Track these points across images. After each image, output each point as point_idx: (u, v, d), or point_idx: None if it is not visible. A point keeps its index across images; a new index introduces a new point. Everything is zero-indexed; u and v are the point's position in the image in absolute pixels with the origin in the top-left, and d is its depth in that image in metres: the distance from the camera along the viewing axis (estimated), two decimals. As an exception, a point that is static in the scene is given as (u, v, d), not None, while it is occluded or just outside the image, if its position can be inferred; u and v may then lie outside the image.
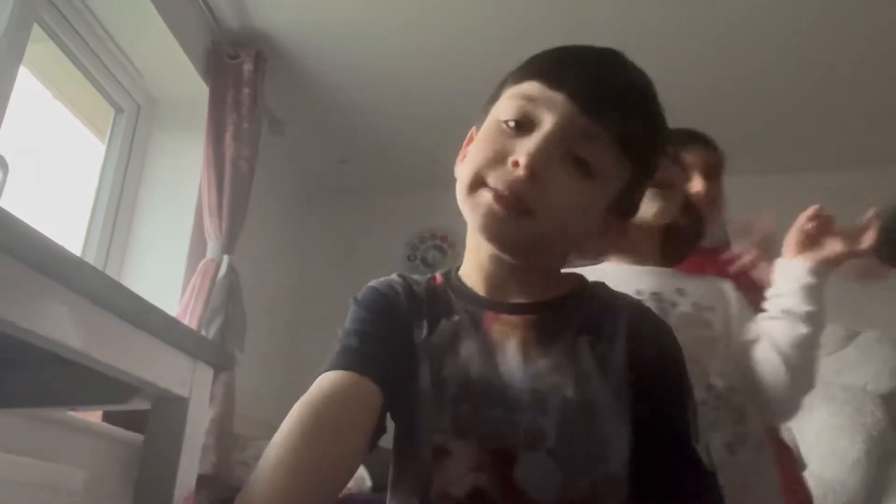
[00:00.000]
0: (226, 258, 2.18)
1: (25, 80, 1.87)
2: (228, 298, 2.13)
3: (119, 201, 2.25)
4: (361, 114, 2.92)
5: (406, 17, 2.41)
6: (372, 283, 0.72)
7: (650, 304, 0.98)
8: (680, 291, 1.05)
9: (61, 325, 0.61)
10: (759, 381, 0.97)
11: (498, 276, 0.66)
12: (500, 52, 2.56)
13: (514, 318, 0.65)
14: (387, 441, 0.63)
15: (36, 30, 1.84)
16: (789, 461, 1.13)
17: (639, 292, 1.03)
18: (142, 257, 2.24)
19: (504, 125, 0.63)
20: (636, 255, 1.11)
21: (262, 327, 2.70)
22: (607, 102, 0.62)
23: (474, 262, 0.68)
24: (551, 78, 0.63)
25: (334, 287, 3.38)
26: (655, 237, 1.12)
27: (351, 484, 2.30)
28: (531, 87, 0.64)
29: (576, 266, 0.99)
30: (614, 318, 0.66)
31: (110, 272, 2.14)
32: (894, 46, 2.41)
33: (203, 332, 2.01)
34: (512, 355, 0.63)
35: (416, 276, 0.73)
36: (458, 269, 0.71)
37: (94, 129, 2.26)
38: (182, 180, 2.33)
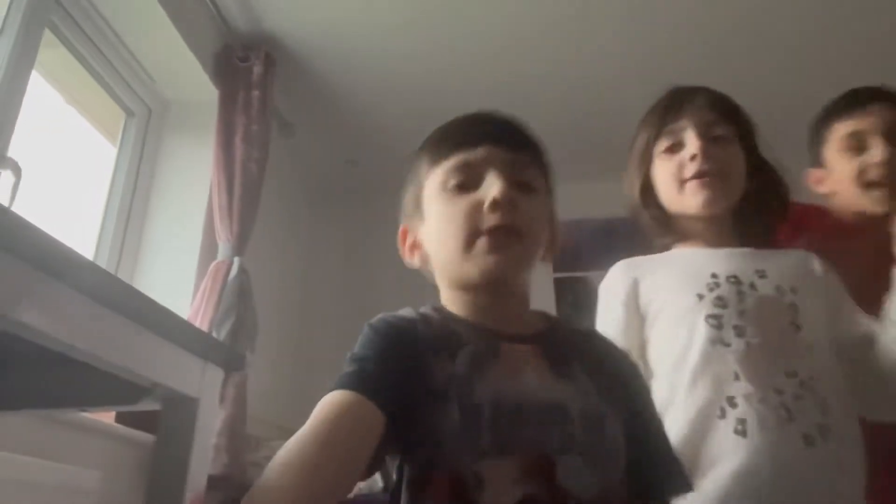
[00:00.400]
0: (236, 260, 2.19)
1: (38, 85, 1.88)
2: (239, 300, 2.14)
3: (131, 204, 2.26)
4: (370, 115, 2.93)
5: (413, 18, 2.41)
6: (386, 314, 0.78)
7: (726, 287, 0.96)
8: (760, 273, 0.98)
9: (72, 327, 0.62)
10: (885, 377, 0.92)
11: (492, 311, 0.76)
12: (506, 52, 2.57)
13: (525, 347, 0.74)
14: None
15: (48, 35, 1.85)
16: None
17: (714, 276, 0.98)
18: (153, 259, 2.25)
19: (454, 192, 0.75)
20: (709, 237, 1.04)
21: (273, 328, 2.71)
22: (514, 137, 0.80)
23: (467, 306, 0.77)
24: (468, 142, 0.77)
25: (344, 287, 3.40)
26: (726, 218, 1.05)
27: (362, 484, 2.30)
28: (456, 159, 0.77)
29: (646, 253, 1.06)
30: (591, 344, 0.78)
31: (122, 274, 2.16)
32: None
33: (215, 334, 2.02)
34: (531, 377, 0.72)
35: (423, 310, 0.79)
36: (442, 307, 0.80)
37: (105, 132, 2.28)
38: (193, 183, 2.34)
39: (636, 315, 1.03)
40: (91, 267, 0.65)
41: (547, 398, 0.71)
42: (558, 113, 2.86)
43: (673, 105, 1.07)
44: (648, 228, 1.10)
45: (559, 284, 3.17)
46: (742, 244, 1.04)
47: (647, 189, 1.08)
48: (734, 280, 0.97)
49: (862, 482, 0.88)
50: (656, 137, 1.06)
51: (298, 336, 3.14)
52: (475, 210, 0.73)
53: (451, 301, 0.79)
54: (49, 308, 0.59)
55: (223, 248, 2.20)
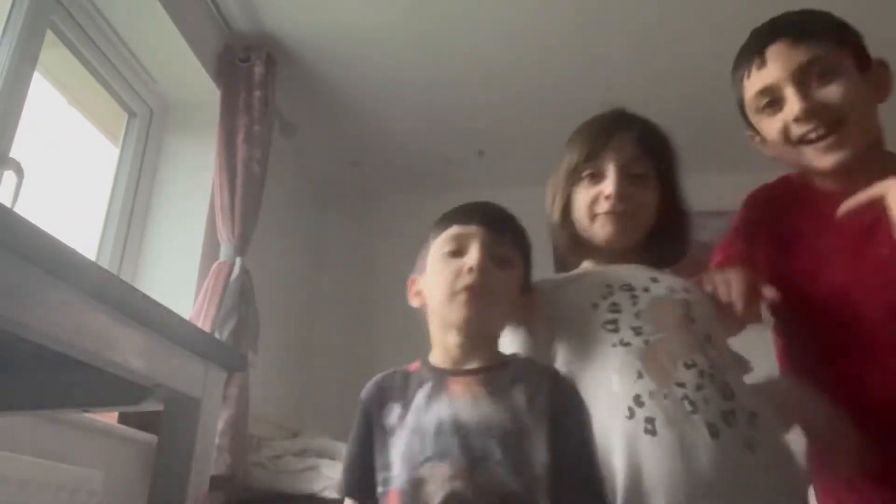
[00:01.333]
0: (238, 260, 2.19)
1: (40, 86, 1.89)
2: (241, 300, 2.14)
3: (133, 205, 2.27)
4: (372, 115, 2.93)
5: (415, 18, 2.41)
6: (371, 381, 1.04)
7: (619, 294, 1.01)
8: (653, 279, 1.02)
9: (74, 328, 0.62)
10: None
11: (461, 353, 1.00)
12: (509, 52, 2.57)
13: (468, 378, 0.98)
14: None
15: (49, 36, 1.86)
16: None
17: (608, 286, 1.01)
18: (155, 260, 2.26)
19: (447, 257, 1.00)
20: (616, 257, 1.08)
21: (275, 329, 2.71)
22: (499, 223, 1.03)
23: (441, 350, 1.02)
24: (463, 220, 1.03)
25: (347, 288, 3.40)
26: (633, 247, 1.08)
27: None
28: (452, 231, 1.03)
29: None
30: (539, 375, 0.99)
31: (124, 275, 2.16)
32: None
33: (217, 334, 2.02)
34: (467, 401, 0.96)
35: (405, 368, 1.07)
36: (429, 358, 1.05)
37: (107, 133, 2.29)
38: (195, 183, 2.34)
39: (545, 333, 1.07)
40: (93, 267, 0.65)
41: (478, 417, 0.95)
42: (559, 113, 2.86)
43: (601, 135, 1.09)
44: (562, 248, 1.14)
45: (561, 284, 3.17)
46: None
47: (567, 210, 1.11)
48: (627, 287, 1.00)
49: (784, 455, 0.89)
50: (582, 162, 1.08)
51: (300, 336, 3.14)
52: (459, 272, 0.99)
53: (435, 339, 1.03)
54: (51, 308, 0.59)
55: (225, 248, 2.21)
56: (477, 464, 0.91)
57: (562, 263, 1.17)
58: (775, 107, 1.03)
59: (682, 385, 0.87)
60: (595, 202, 1.06)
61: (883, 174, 0.91)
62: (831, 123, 0.99)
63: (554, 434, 0.93)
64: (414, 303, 1.09)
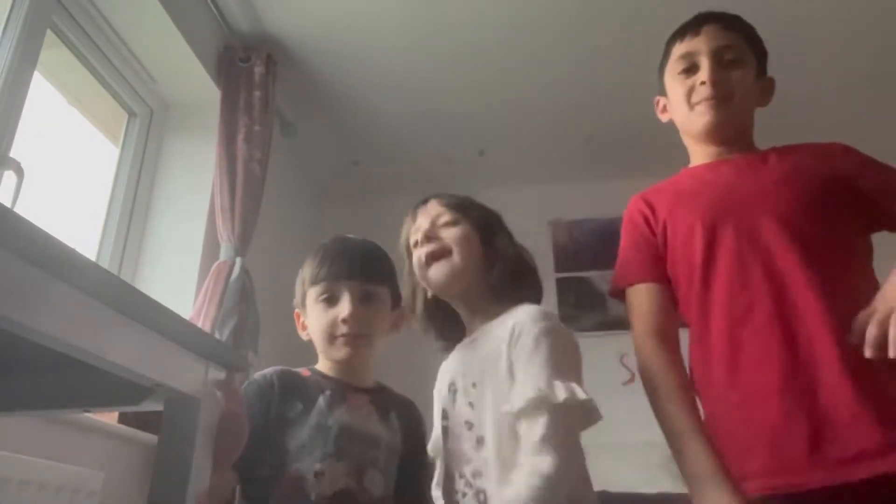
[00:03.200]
0: (238, 260, 2.19)
1: (40, 86, 1.89)
2: (241, 300, 2.14)
3: (133, 205, 2.27)
4: (372, 115, 2.93)
5: (415, 18, 2.41)
6: (275, 369, 1.28)
7: (448, 398, 1.11)
8: (466, 380, 1.08)
9: (74, 328, 0.62)
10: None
11: (349, 373, 1.27)
12: (509, 52, 2.57)
13: (361, 395, 1.25)
14: None
15: (49, 36, 1.86)
16: None
17: (449, 386, 1.12)
18: (155, 260, 2.26)
19: (324, 305, 1.31)
20: (472, 322, 1.16)
21: (275, 329, 2.71)
22: (364, 269, 1.31)
23: (328, 364, 1.29)
24: (332, 276, 1.31)
25: (347, 288, 3.40)
26: (471, 294, 1.15)
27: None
28: (324, 285, 1.30)
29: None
30: (404, 403, 1.31)
31: (125, 275, 2.16)
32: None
33: (217, 335, 2.02)
34: (363, 415, 1.22)
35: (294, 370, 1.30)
36: (318, 368, 1.30)
37: (107, 133, 2.29)
38: (195, 183, 2.34)
39: None
40: (93, 267, 0.65)
41: (371, 430, 1.21)
42: (559, 114, 2.86)
43: (414, 211, 1.27)
44: (429, 335, 1.25)
45: (560, 284, 3.18)
46: (498, 305, 1.11)
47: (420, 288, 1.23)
48: (453, 389, 1.10)
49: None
50: (408, 237, 1.27)
51: (300, 336, 3.13)
52: (334, 322, 1.24)
53: (322, 364, 1.31)
54: (51, 309, 0.59)
55: (225, 248, 2.21)
56: (366, 468, 1.16)
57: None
58: (690, 73, 1.22)
59: (455, 492, 1.04)
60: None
61: (746, 150, 1.21)
62: (723, 96, 1.18)
63: (407, 452, 1.25)
64: (303, 336, 1.36)
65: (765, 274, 1.06)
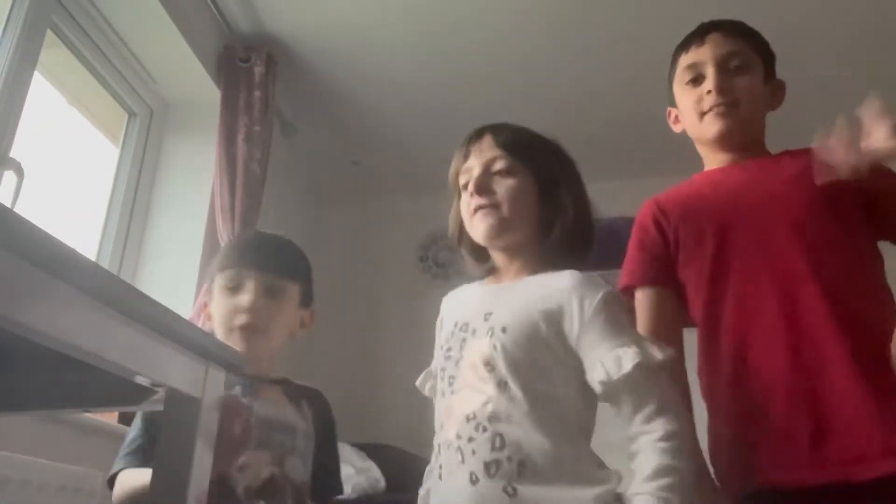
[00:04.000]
0: (239, 260, 2.19)
1: (40, 86, 1.89)
2: (242, 300, 2.14)
3: (133, 205, 2.27)
4: (372, 115, 2.93)
5: (415, 18, 2.41)
6: None
7: (456, 337, 1.02)
8: (487, 315, 1.00)
9: (74, 328, 0.62)
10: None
11: (252, 363, 1.20)
12: (509, 51, 2.57)
13: (273, 386, 1.28)
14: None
15: (49, 36, 1.86)
16: None
17: (455, 324, 1.03)
18: (156, 259, 2.26)
19: (226, 294, 1.29)
20: (511, 270, 1.07)
21: (276, 329, 2.70)
22: (273, 260, 1.31)
23: None
24: (239, 263, 1.29)
25: (347, 288, 3.40)
26: (523, 249, 1.07)
27: (366, 485, 2.30)
28: (231, 272, 1.28)
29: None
30: (312, 393, 1.34)
31: (125, 275, 2.16)
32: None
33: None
34: (277, 405, 1.25)
35: None
36: None
37: (107, 133, 2.29)
38: (195, 183, 2.34)
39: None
40: (93, 267, 0.65)
41: (287, 419, 1.24)
42: (560, 113, 2.86)
43: (464, 146, 1.13)
44: (466, 260, 1.16)
45: (561, 284, 3.17)
46: (547, 269, 1.05)
47: (459, 224, 1.14)
48: (463, 328, 1.02)
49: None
50: (456, 177, 1.13)
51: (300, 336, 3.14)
52: (234, 311, 1.23)
53: None
54: (51, 309, 0.59)
55: (225, 248, 2.21)
56: (287, 455, 1.20)
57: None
58: (697, 83, 1.22)
59: (459, 437, 0.94)
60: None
61: (760, 154, 1.22)
62: (730, 103, 1.18)
63: (320, 439, 1.28)
64: (206, 327, 1.32)
65: (773, 277, 1.06)
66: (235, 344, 1.21)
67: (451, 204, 1.15)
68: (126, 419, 1.74)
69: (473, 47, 2.55)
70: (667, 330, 1.15)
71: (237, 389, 1.20)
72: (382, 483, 2.35)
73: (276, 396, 1.27)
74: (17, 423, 1.40)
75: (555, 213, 1.05)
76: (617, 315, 0.96)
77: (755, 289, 1.08)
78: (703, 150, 1.28)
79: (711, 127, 1.19)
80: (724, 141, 1.20)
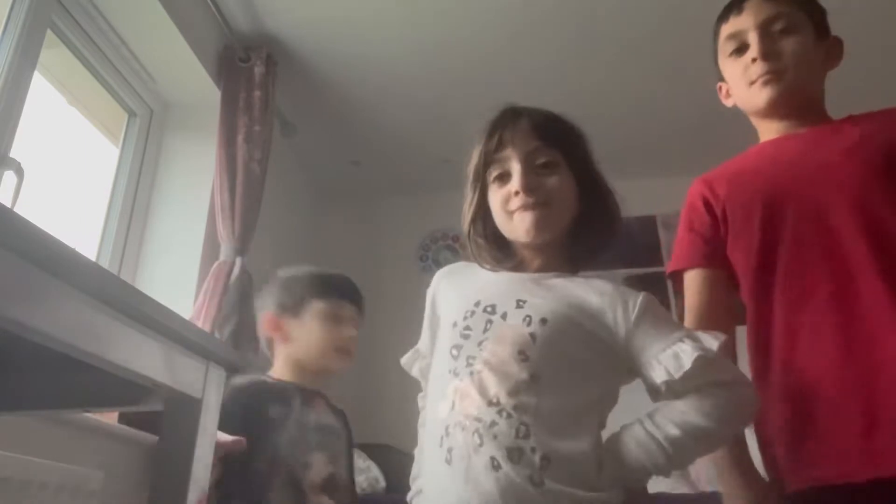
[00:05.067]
0: (238, 260, 2.19)
1: (40, 86, 1.89)
2: (241, 300, 2.14)
3: (133, 205, 2.27)
4: (372, 115, 2.93)
5: (415, 18, 2.41)
6: (253, 378, 1.52)
7: (479, 317, 0.96)
8: (520, 302, 0.96)
9: (74, 327, 0.62)
10: None
11: (304, 376, 1.55)
12: (510, 52, 2.57)
13: (318, 396, 1.54)
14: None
15: (49, 36, 1.86)
16: None
17: (476, 303, 0.98)
18: (156, 260, 2.26)
19: (329, 322, 1.59)
20: (538, 262, 1.04)
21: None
22: (361, 300, 1.69)
23: (292, 371, 1.57)
24: (342, 297, 1.62)
25: (347, 288, 3.40)
26: (557, 241, 1.03)
27: (365, 485, 2.30)
28: (334, 305, 1.60)
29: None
30: (339, 409, 1.61)
31: (125, 275, 2.16)
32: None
33: (217, 335, 2.02)
34: (325, 413, 1.53)
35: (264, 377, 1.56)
36: (279, 374, 1.58)
37: (107, 133, 2.28)
38: (195, 183, 2.34)
39: (428, 342, 1.09)
40: (93, 267, 0.65)
41: (333, 424, 1.52)
42: (560, 113, 2.86)
43: (496, 132, 1.06)
44: (481, 250, 1.08)
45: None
46: (571, 266, 1.04)
47: (481, 213, 1.08)
48: (490, 309, 0.97)
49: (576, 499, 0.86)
50: (486, 165, 1.06)
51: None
52: (341, 339, 1.56)
53: (286, 363, 1.58)
54: (50, 308, 0.59)
55: (225, 248, 2.21)
56: (338, 456, 1.47)
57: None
58: (741, 52, 1.16)
59: (479, 420, 0.88)
60: (507, 200, 1.02)
61: (818, 121, 1.13)
62: (778, 70, 1.12)
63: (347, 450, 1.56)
64: (272, 335, 1.58)
65: (826, 255, 1.00)
66: (331, 364, 1.54)
67: (469, 192, 1.08)
68: (126, 419, 1.74)
69: (474, 48, 2.55)
70: (717, 312, 1.11)
71: (298, 398, 1.45)
72: (382, 483, 2.35)
73: (322, 404, 1.54)
74: (17, 423, 1.39)
75: (590, 216, 1.04)
76: (663, 312, 0.96)
77: (807, 269, 1.01)
78: (756, 122, 1.21)
79: (759, 96, 1.13)
80: (775, 109, 1.14)
